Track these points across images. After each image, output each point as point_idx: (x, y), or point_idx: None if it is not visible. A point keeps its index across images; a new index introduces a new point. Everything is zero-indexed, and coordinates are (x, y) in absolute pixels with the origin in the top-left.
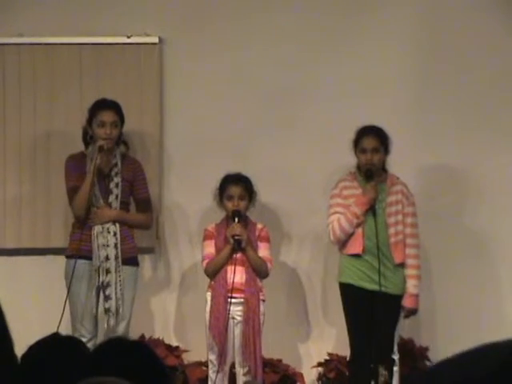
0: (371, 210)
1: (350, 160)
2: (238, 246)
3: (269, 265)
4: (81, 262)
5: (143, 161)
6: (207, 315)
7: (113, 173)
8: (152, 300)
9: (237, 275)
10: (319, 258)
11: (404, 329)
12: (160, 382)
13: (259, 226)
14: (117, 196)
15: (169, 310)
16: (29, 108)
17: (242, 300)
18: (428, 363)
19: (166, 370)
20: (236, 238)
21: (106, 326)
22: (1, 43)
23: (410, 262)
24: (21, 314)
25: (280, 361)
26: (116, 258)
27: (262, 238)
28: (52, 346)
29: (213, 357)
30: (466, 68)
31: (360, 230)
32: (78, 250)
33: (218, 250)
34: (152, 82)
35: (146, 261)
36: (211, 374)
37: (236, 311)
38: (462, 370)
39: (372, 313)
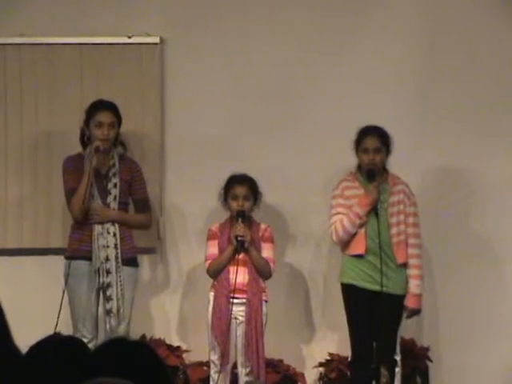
0: (373, 210)
1: (351, 160)
2: (240, 246)
3: (272, 265)
4: (81, 262)
5: (144, 161)
6: (209, 315)
7: (111, 173)
8: (153, 300)
9: (239, 276)
10: (321, 259)
11: (405, 329)
12: (162, 382)
13: (263, 226)
14: (115, 197)
15: (170, 310)
16: (30, 108)
17: (245, 300)
18: (429, 363)
19: (167, 370)
20: (239, 238)
21: (107, 327)
22: (2, 43)
23: (412, 261)
24: (22, 313)
25: (281, 361)
26: (116, 258)
27: (265, 239)
28: (53, 346)
29: (215, 357)
30: (467, 68)
31: (362, 231)
32: (78, 250)
33: (221, 250)
34: (153, 83)
35: (147, 261)
36: (213, 375)
37: (238, 311)
38: None
39: (374, 313)
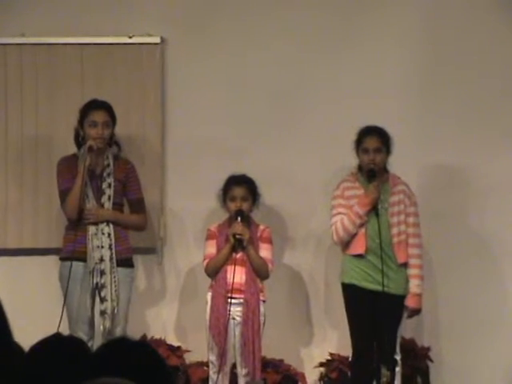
0: (374, 210)
1: (351, 161)
2: (239, 245)
3: (270, 266)
4: (76, 263)
5: (144, 161)
6: (207, 315)
7: (105, 173)
8: (153, 300)
9: (237, 276)
10: (322, 259)
11: (406, 329)
12: (163, 382)
13: (261, 226)
14: (109, 197)
15: (170, 310)
16: (30, 108)
17: (242, 300)
18: (430, 363)
19: (169, 370)
20: (237, 236)
21: (101, 328)
22: (3, 43)
23: (412, 261)
24: (22, 314)
25: (282, 361)
26: (111, 259)
27: (263, 239)
28: (54, 346)
29: (213, 357)
30: (467, 67)
31: (363, 231)
32: (72, 252)
33: (220, 250)
34: (154, 83)
35: (147, 261)
36: (212, 375)
37: (236, 312)
38: None
39: (374, 313)
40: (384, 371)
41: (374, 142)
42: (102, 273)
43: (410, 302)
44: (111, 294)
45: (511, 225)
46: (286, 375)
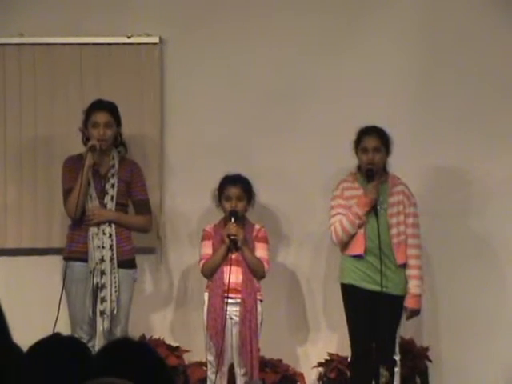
0: (373, 210)
1: (350, 161)
2: (233, 245)
3: (265, 265)
4: (78, 264)
5: (143, 162)
6: (204, 316)
7: (109, 174)
8: (153, 300)
9: (233, 275)
10: (321, 259)
11: (405, 329)
12: (163, 383)
13: (257, 226)
14: (112, 197)
15: (169, 310)
16: (29, 108)
17: (239, 300)
18: (429, 363)
19: (169, 370)
20: (232, 237)
21: (100, 328)
22: (1, 43)
23: (411, 262)
24: (21, 314)
25: (280, 361)
26: (111, 259)
27: (259, 239)
28: (53, 346)
29: (211, 357)
30: (467, 68)
31: (362, 231)
32: (74, 252)
33: (216, 251)
34: (152, 83)
35: (146, 261)
36: (210, 375)
37: (233, 311)
38: None
39: (374, 313)
40: (383, 371)
41: (372, 141)
42: (103, 273)
43: (408, 303)
44: (111, 294)
45: (511, 225)
46: (284, 375)
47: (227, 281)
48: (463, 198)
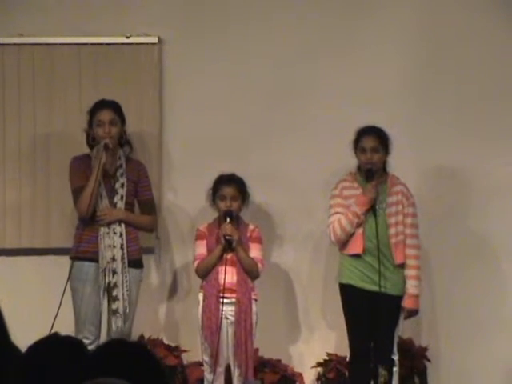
0: (372, 210)
1: (349, 161)
2: (228, 246)
3: (260, 266)
4: (87, 264)
5: (142, 160)
6: (199, 316)
7: (118, 173)
8: (152, 300)
9: (228, 275)
10: (319, 259)
11: (403, 329)
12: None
13: (251, 226)
14: (122, 196)
15: (168, 310)
16: (28, 108)
17: (234, 300)
18: (427, 363)
19: (164, 371)
20: (227, 237)
21: (113, 327)
22: (0, 43)
23: (410, 262)
24: (20, 314)
25: (279, 361)
26: (122, 258)
27: (253, 239)
28: (51, 346)
29: (207, 358)
30: (467, 68)
31: (360, 231)
32: (83, 252)
33: (210, 250)
34: (151, 83)
35: (146, 261)
36: (207, 375)
37: (229, 311)
38: None
39: (372, 313)
40: (381, 371)
41: (371, 141)
42: (114, 272)
43: (406, 303)
44: (123, 293)
45: (511, 225)
46: (283, 375)
47: (222, 281)
48: (463, 198)
